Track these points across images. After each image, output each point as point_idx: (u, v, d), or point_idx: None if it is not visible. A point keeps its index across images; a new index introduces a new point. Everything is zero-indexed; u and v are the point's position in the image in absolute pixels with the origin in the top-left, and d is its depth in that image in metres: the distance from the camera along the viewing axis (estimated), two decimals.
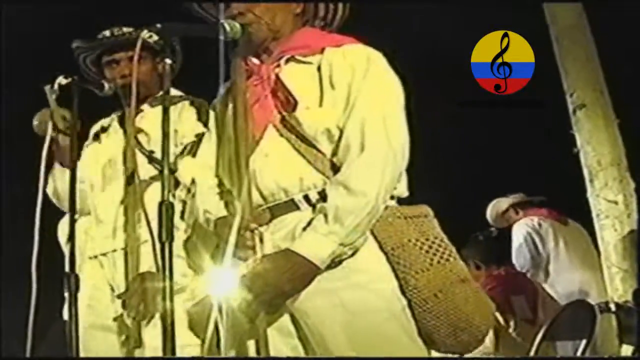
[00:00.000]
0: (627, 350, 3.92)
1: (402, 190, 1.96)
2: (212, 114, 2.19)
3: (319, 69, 1.95)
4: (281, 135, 1.92)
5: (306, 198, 1.88)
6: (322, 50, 1.98)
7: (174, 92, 2.71)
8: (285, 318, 1.93)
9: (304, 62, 1.99)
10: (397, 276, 1.84)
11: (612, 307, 4.13)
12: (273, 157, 1.91)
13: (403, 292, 1.85)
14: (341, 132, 1.88)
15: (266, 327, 1.85)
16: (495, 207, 5.30)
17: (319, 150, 1.89)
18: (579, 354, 3.74)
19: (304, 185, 1.88)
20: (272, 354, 1.90)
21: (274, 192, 1.90)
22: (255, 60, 2.03)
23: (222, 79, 2.10)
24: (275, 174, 1.90)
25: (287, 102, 1.93)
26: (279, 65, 1.99)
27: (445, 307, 1.84)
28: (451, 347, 1.89)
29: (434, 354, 1.96)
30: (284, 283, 1.79)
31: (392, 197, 1.91)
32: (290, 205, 1.89)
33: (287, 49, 2.01)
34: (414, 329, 1.87)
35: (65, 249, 3.84)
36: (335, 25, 2.12)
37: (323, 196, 1.86)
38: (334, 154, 1.89)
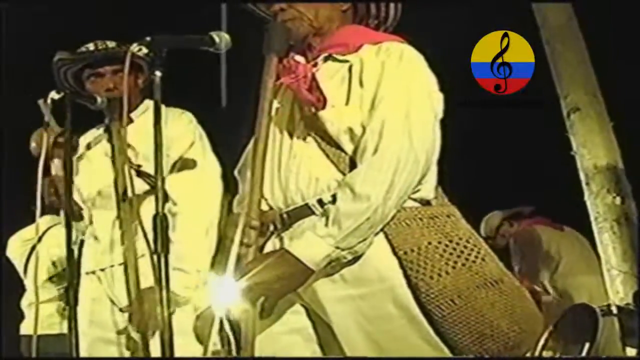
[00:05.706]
0: (630, 352, 3.90)
1: (427, 193, 1.86)
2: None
3: (351, 66, 1.90)
4: (309, 135, 1.87)
5: (320, 202, 1.82)
6: (359, 48, 1.92)
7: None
8: (307, 324, 1.89)
9: (340, 61, 1.93)
10: (409, 282, 1.76)
11: (614, 309, 4.11)
12: (300, 158, 1.86)
13: (417, 298, 1.76)
14: (364, 131, 1.81)
15: (254, 328, 1.75)
16: (488, 224, 5.24)
17: (342, 151, 1.84)
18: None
19: (319, 187, 1.83)
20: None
21: (293, 195, 1.85)
22: (298, 58, 1.95)
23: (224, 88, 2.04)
24: (299, 176, 1.85)
25: (319, 102, 1.86)
26: (316, 64, 1.94)
27: (465, 313, 1.74)
28: (480, 355, 1.78)
29: None
30: (272, 282, 1.73)
31: (415, 199, 1.84)
32: (305, 210, 1.83)
33: (326, 46, 1.96)
34: (435, 336, 1.77)
35: (18, 266, 3.88)
36: (389, 24, 2.05)
37: (335, 199, 1.79)
38: (355, 154, 1.83)
